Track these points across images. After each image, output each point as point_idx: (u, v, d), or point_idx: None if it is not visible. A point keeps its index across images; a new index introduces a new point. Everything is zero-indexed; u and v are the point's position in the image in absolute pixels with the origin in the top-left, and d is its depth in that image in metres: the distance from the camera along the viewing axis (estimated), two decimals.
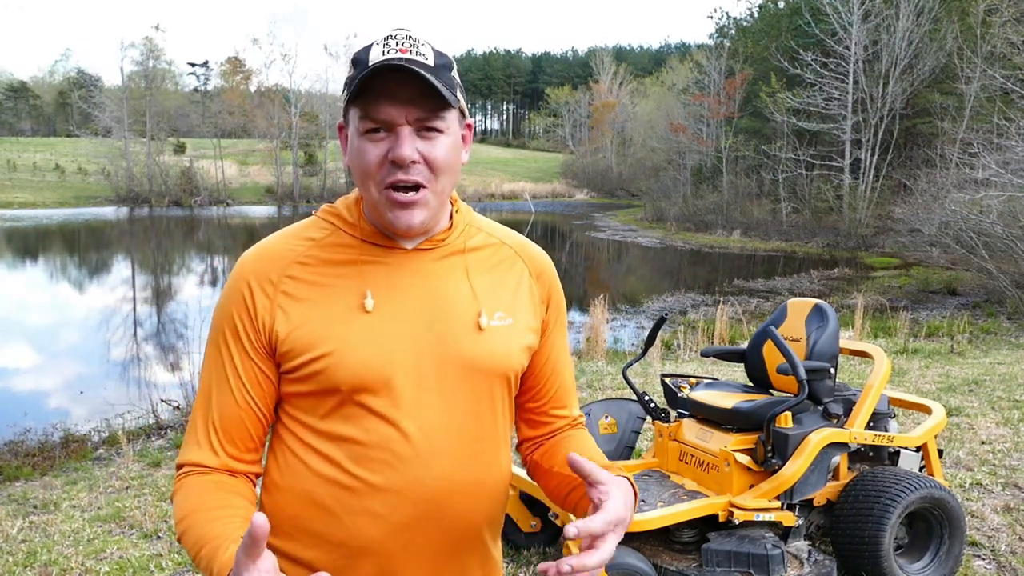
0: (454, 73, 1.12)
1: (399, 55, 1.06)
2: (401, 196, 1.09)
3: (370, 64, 1.06)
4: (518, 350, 1.20)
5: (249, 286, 1.13)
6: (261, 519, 0.81)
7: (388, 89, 1.06)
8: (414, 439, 1.11)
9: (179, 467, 1.15)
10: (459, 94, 1.12)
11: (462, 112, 1.15)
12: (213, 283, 18.56)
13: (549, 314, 1.28)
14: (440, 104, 1.08)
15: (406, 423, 1.11)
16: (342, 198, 1.22)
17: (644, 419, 3.94)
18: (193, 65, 64.18)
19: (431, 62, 1.08)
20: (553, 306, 1.29)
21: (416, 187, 1.09)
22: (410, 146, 1.07)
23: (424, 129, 1.08)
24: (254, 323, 1.12)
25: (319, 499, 1.12)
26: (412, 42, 1.08)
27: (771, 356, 3.66)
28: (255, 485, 1.19)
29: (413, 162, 1.08)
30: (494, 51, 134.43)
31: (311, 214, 1.23)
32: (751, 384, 3.83)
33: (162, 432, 6.56)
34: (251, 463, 1.17)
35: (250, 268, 1.15)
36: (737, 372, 7.44)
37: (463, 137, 1.17)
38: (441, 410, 1.13)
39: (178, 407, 7.17)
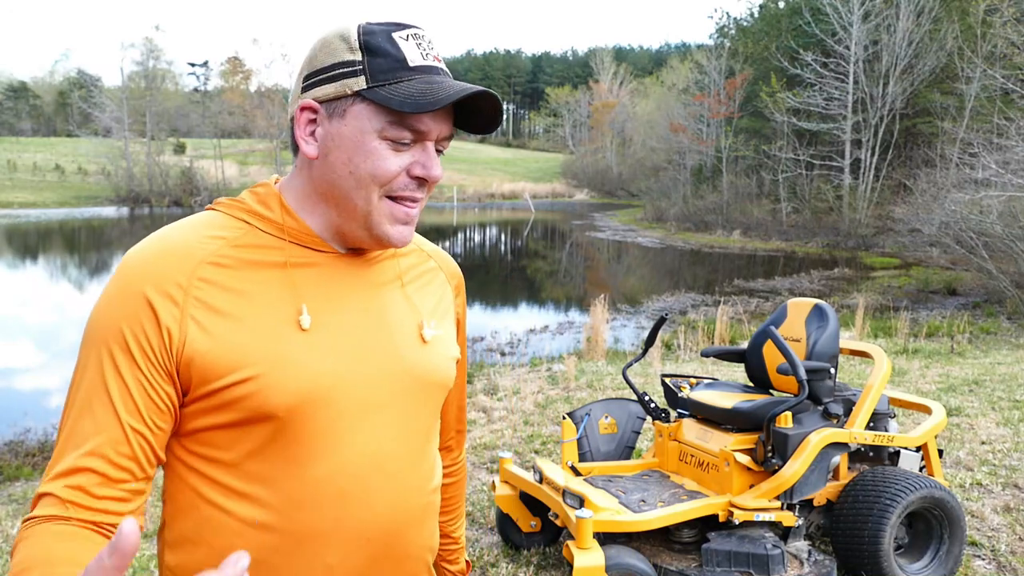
0: None
1: (435, 63, 0.98)
2: (408, 209, 1.00)
3: (411, 65, 0.95)
4: (452, 361, 1.13)
5: (148, 290, 0.91)
6: (130, 526, 0.57)
7: None
8: (364, 471, 0.98)
9: (36, 499, 0.88)
10: None
11: None
12: None
13: (460, 329, 1.22)
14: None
15: (354, 452, 0.97)
16: (246, 191, 1.04)
17: (644, 419, 3.94)
18: (193, 65, 63.93)
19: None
20: (462, 319, 1.24)
21: (415, 202, 1.02)
22: (439, 164, 1.00)
23: (437, 146, 1.02)
24: (157, 334, 0.90)
25: (252, 554, 0.90)
26: (434, 47, 1.00)
27: (771, 356, 3.67)
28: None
29: None
30: (494, 51, 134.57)
31: (204, 208, 1.04)
32: (751, 384, 3.84)
33: None
34: (126, 507, 0.91)
35: (148, 268, 0.92)
36: (737, 372, 7.45)
37: None
38: (392, 433, 1.02)
39: None
